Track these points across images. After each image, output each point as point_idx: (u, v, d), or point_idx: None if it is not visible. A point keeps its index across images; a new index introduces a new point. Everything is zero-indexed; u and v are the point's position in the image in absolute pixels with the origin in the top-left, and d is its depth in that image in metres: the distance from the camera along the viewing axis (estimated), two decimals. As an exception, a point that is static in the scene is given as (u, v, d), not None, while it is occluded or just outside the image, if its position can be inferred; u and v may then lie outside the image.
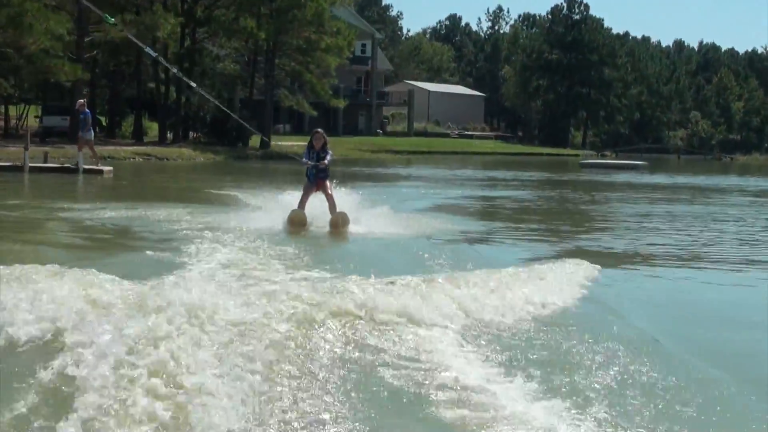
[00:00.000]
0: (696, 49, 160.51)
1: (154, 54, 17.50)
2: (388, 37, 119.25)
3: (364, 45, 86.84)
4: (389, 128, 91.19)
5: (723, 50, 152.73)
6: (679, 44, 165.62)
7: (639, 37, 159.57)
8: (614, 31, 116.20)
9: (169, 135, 53.96)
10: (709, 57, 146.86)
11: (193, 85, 18.69)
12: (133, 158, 40.52)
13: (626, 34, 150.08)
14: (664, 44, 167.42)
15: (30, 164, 27.35)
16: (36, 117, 53.28)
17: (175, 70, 28.14)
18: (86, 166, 27.55)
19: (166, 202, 17.84)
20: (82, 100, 30.22)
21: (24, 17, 32.50)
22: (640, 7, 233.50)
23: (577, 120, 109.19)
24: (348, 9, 77.11)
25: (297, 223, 13.60)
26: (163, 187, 26.19)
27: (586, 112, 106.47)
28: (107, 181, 26.61)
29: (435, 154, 70.69)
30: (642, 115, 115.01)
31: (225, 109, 30.38)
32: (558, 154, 76.29)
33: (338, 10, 60.86)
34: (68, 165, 28.03)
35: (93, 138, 28.73)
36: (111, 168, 28.87)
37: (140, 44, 16.89)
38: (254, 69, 56.39)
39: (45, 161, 28.53)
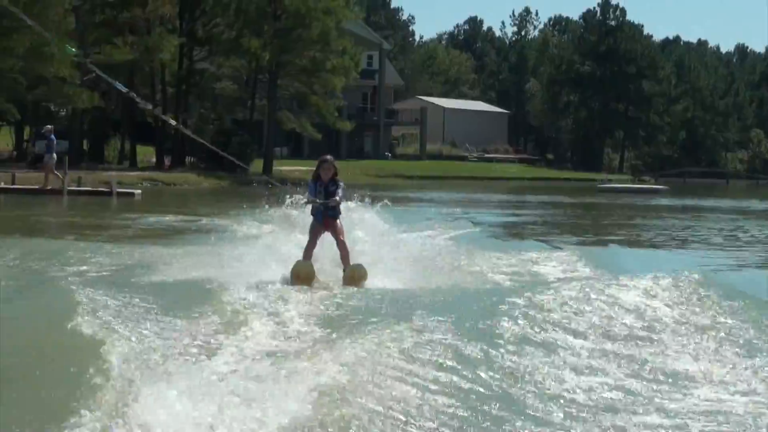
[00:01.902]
0: (762, 55, 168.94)
1: (125, 89, 17.93)
2: (397, 45, 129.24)
3: (370, 57, 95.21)
4: (399, 151, 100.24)
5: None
6: (741, 50, 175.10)
7: (694, 41, 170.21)
8: (662, 36, 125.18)
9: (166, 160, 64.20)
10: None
11: (173, 122, 24.54)
12: (140, 183, 50.70)
13: (676, 39, 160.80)
14: (724, 50, 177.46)
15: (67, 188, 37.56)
16: (26, 141, 63.74)
17: (151, 107, 37.91)
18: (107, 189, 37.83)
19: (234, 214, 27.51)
20: (50, 126, 40.18)
21: (47, 47, 42.88)
22: (695, 7, 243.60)
23: (614, 140, 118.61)
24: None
25: (303, 278, 13.85)
26: (208, 204, 36.08)
27: (624, 132, 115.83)
28: (148, 201, 36.78)
29: (450, 179, 79.77)
30: (692, 134, 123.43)
31: (217, 150, 40.39)
32: (588, 179, 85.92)
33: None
34: (102, 189, 38.27)
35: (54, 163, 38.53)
36: (140, 191, 39.14)
37: (109, 79, 18.80)
38: (254, 90, 66.68)
39: (79, 185, 38.70)
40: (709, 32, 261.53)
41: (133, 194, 38.10)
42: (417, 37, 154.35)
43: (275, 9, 61.51)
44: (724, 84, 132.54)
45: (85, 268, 15.28)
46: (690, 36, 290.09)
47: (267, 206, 16.51)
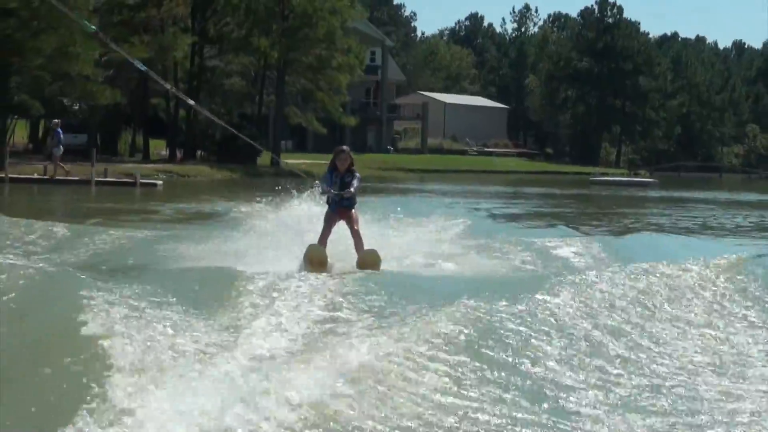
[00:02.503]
0: (759, 51, 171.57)
1: (143, 67, 17.62)
2: (400, 41, 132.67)
3: (373, 53, 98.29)
4: (401, 145, 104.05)
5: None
6: (739, 46, 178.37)
7: (692, 38, 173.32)
8: (660, 32, 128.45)
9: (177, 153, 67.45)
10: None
11: (191, 102, 26.77)
12: (157, 175, 53.94)
13: (674, 35, 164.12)
14: (721, 46, 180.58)
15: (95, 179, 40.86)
16: (42, 134, 66.91)
17: (170, 87, 41.19)
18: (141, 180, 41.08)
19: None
20: (57, 120, 43.45)
21: (72, 47, 46.13)
22: (693, 4, 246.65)
23: (611, 135, 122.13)
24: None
25: (316, 262, 14.28)
26: (228, 194, 39.28)
27: (620, 127, 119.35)
28: (168, 191, 40.06)
29: (450, 173, 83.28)
30: (689, 128, 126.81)
31: (234, 131, 43.44)
32: (582, 173, 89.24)
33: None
34: (127, 180, 41.56)
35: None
36: (161, 182, 42.43)
37: (128, 56, 19.57)
38: (263, 86, 69.97)
39: (105, 176, 41.97)
40: (707, 28, 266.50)
41: (155, 185, 41.44)
42: (419, 33, 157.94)
43: (283, 9, 64.74)
44: (721, 80, 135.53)
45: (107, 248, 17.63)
46: (688, 32, 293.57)
47: (295, 193, 16.92)
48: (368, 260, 14.57)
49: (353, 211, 15.05)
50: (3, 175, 39.97)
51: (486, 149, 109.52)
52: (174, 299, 9.75)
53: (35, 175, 41.67)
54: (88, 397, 6.25)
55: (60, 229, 18.74)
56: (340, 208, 14.92)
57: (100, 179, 41.14)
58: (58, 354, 7.01)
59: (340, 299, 11.08)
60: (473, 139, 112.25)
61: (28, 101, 51.36)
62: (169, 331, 8.23)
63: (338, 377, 7.24)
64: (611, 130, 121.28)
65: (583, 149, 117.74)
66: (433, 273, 14.99)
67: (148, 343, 7.58)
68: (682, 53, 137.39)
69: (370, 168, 76.77)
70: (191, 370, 7.14)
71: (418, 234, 18.33)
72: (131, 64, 55.13)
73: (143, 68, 17.29)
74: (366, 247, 14.85)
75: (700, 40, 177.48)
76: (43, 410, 6.19)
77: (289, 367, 7.39)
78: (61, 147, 41.85)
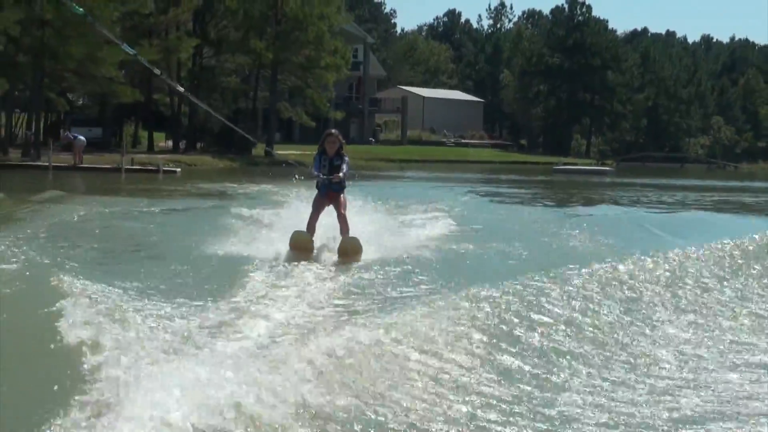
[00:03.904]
0: (726, 45, 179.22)
1: (132, 51, 17.49)
2: (380, 37, 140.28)
3: (356, 50, 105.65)
4: (382, 137, 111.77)
5: (757, 47, 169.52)
6: (707, 40, 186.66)
7: (663, 32, 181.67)
8: (630, 27, 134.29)
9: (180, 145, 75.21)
10: (737, 56, 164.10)
11: (205, 106, 32.92)
12: (168, 164, 61.81)
13: (644, 30, 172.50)
14: (690, 40, 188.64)
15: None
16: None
17: (178, 87, 49.00)
18: (165, 168, 48.98)
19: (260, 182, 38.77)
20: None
21: (99, 52, 53.87)
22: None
23: (582, 127, 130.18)
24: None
25: (301, 248, 14.45)
26: (239, 177, 47.13)
27: (590, 119, 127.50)
28: (185, 177, 47.88)
29: (428, 162, 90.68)
30: (657, 121, 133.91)
31: (233, 126, 51.20)
32: (549, 163, 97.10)
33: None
34: (151, 167, 49.44)
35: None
36: (179, 169, 50.32)
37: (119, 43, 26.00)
38: (257, 83, 77.83)
39: (132, 164, 49.76)
40: (677, 23, 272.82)
41: (175, 171, 49.34)
42: (398, 29, 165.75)
43: (276, 14, 72.56)
44: (687, 74, 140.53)
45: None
46: (659, 27, 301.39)
47: (297, 177, 18.93)
48: (349, 248, 14.73)
49: (342, 195, 15.37)
50: (46, 164, 47.72)
51: (462, 140, 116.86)
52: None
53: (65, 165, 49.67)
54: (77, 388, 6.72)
55: (145, 200, 26.66)
56: (329, 192, 15.30)
57: (127, 167, 48.90)
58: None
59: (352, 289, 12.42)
60: (450, 130, 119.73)
61: (55, 98, 59.10)
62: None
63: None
64: (581, 122, 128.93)
65: (554, 140, 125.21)
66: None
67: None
68: (651, 48, 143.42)
69: (353, 158, 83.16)
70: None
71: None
72: (136, 63, 62.79)
73: (158, 73, 19.01)
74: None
75: (670, 34, 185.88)
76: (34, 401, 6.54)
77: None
78: (83, 139, 49.89)
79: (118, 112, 77.62)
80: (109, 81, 56.24)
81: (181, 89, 20.55)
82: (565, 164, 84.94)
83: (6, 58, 52.39)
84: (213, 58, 77.46)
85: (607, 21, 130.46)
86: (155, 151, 72.27)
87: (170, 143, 79.31)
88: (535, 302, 10.88)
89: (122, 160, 48.49)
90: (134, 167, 49.57)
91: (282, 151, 74.85)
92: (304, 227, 15.11)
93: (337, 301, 11.46)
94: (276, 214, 18.35)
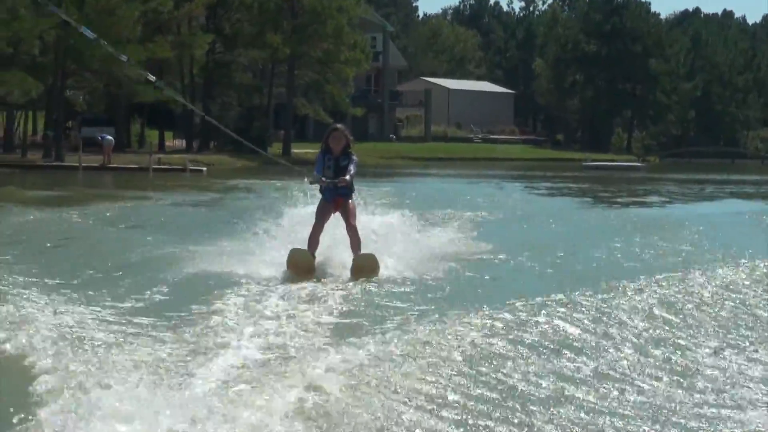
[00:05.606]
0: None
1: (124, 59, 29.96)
2: (400, 23, 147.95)
3: (374, 38, 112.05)
4: (404, 133, 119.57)
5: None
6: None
7: (718, 13, 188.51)
8: (680, 8, 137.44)
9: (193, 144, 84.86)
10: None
11: (215, 123, 39.86)
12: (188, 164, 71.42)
13: (696, 11, 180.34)
14: (751, 21, 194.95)
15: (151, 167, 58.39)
16: (67, 128, 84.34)
17: (178, 97, 58.04)
18: (193, 168, 58.63)
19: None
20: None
21: (123, 51, 63.56)
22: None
23: (623, 120, 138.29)
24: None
25: (301, 268, 14.34)
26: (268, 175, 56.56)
27: (632, 111, 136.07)
28: (212, 175, 57.42)
29: (454, 160, 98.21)
30: (709, 112, 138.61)
31: (236, 136, 60.17)
32: (581, 160, 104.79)
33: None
34: (178, 167, 59.13)
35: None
36: (206, 168, 59.96)
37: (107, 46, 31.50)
38: (272, 79, 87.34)
39: (159, 164, 59.43)
40: (734, 2, 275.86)
41: (201, 170, 58.90)
42: (420, 14, 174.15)
43: (293, 6, 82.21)
44: (745, 59, 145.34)
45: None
46: (714, 7, 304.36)
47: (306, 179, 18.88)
48: (365, 266, 14.49)
49: (351, 201, 15.15)
50: (76, 164, 57.42)
51: (491, 136, 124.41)
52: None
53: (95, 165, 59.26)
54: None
55: (199, 196, 36.18)
56: (335, 198, 15.06)
57: (155, 166, 58.49)
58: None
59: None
60: (478, 126, 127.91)
61: (71, 98, 69.10)
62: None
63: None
64: (622, 114, 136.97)
65: (593, 135, 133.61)
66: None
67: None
68: (702, 31, 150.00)
69: (371, 157, 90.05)
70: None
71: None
72: (145, 61, 72.47)
73: (154, 80, 18.79)
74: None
75: (726, 15, 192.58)
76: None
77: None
78: (111, 138, 59.74)
79: (126, 111, 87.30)
80: (129, 81, 65.88)
81: (180, 98, 26.05)
82: (593, 161, 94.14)
83: (36, 61, 62.18)
84: (226, 54, 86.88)
85: (650, 3, 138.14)
86: (167, 151, 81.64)
87: (177, 142, 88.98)
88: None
89: (150, 160, 58.02)
90: (162, 167, 59.12)
91: (297, 150, 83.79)
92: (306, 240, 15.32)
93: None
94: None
